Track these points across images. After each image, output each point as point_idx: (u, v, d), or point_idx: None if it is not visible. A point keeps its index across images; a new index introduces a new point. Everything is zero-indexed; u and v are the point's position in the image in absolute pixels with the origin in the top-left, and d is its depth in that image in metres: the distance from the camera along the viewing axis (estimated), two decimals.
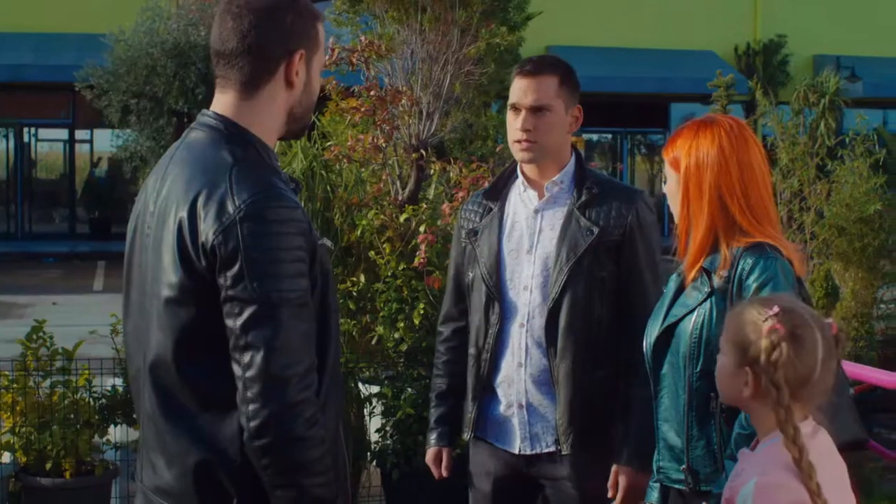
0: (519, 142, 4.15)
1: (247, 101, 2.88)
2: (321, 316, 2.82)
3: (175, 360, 2.75)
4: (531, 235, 4.18)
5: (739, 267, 3.40)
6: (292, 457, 2.64)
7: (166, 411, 2.79)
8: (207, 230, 2.67)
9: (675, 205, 3.56)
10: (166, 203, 2.80)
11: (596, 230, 4.06)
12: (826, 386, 2.87)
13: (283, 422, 2.62)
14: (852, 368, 4.96)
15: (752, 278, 3.37)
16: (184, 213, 2.72)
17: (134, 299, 2.92)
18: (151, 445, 2.85)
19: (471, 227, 4.30)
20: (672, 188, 3.56)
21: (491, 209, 4.28)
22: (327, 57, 7.40)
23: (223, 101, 2.91)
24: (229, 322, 2.65)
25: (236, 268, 2.64)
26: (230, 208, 2.67)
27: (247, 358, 2.63)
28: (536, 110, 4.11)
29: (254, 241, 2.64)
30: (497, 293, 4.17)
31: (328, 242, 2.96)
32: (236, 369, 2.65)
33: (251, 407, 2.63)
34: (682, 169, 3.50)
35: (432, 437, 4.45)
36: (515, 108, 4.15)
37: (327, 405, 2.82)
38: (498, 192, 4.31)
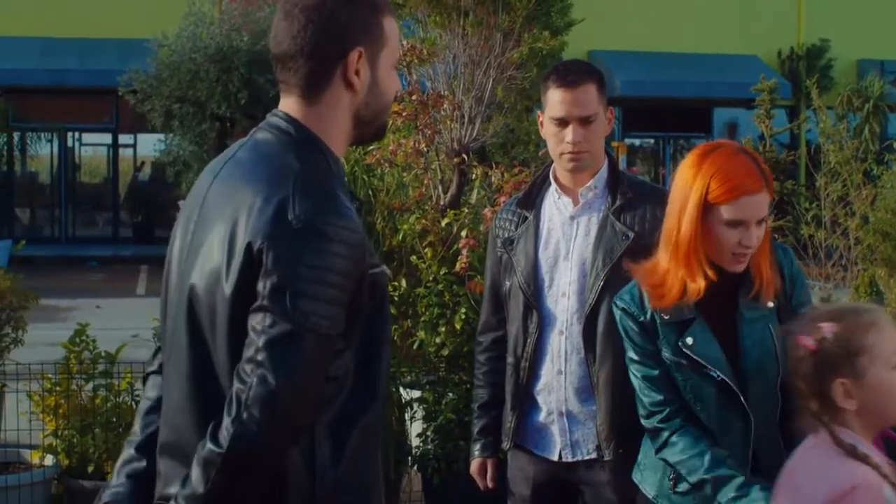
0: (568, 153, 4.10)
1: (311, 107, 2.69)
2: (367, 347, 2.61)
3: (189, 357, 2.60)
4: (567, 242, 4.15)
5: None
6: (234, 478, 2.44)
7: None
8: (257, 232, 2.47)
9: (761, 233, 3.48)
10: (219, 201, 2.63)
11: (631, 234, 4.03)
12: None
13: (253, 457, 2.43)
14: None
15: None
16: (237, 212, 2.53)
17: (172, 298, 2.73)
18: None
19: (506, 235, 4.27)
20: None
21: (526, 217, 4.24)
22: None
23: (288, 106, 2.72)
24: (252, 334, 2.45)
25: (276, 278, 2.44)
26: (289, 216, 2.47)
27: (255, 375, 2.42)
28: (585, 121, 4.06)
29: (302, 255, 2.45)
30: (535, 301, 4.14)
31: (387, 270, 2.80)
32: (237, 383, 2.44)
33: (234, 423, 2.41)
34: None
35: (476, 448, 4.44)
36: (562, 121, 4.08)
37: (370, 437, 2.64)
38: (532, 200, 4.27)
